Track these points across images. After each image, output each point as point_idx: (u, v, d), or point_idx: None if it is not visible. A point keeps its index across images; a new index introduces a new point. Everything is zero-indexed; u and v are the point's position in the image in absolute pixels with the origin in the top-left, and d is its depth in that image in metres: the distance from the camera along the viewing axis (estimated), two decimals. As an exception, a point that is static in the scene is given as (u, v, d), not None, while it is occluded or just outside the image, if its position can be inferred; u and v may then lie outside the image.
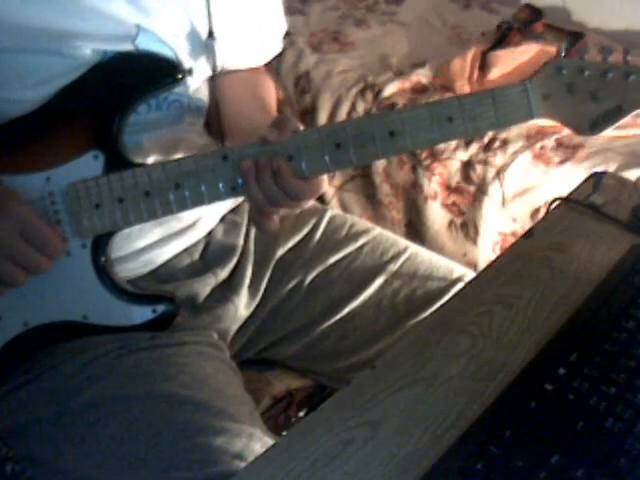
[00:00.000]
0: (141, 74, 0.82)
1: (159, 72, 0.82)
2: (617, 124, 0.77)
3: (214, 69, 0.92)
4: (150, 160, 0.87)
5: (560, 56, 0.77)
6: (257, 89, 1.04)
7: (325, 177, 0.81)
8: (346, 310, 1.02)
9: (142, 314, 0.85)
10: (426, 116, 0.77)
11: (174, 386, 0.81)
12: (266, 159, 0.77)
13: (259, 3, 1.00)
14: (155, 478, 0.75)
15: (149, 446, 0.77)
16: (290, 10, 2.13)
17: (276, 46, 1.06)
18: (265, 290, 1.02)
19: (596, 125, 0.77)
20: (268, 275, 1.02)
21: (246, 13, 0.98)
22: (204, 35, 0.91)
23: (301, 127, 0.80)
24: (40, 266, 0.78)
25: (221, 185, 0.79)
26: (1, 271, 0.77)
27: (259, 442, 0.77)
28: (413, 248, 1.08)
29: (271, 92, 1.06)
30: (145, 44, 0.84)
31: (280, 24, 1.06)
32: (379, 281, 1.03)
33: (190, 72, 0.85)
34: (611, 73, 0.75)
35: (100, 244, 0.82)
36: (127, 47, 0.83)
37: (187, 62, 0.89)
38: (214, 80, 0.94)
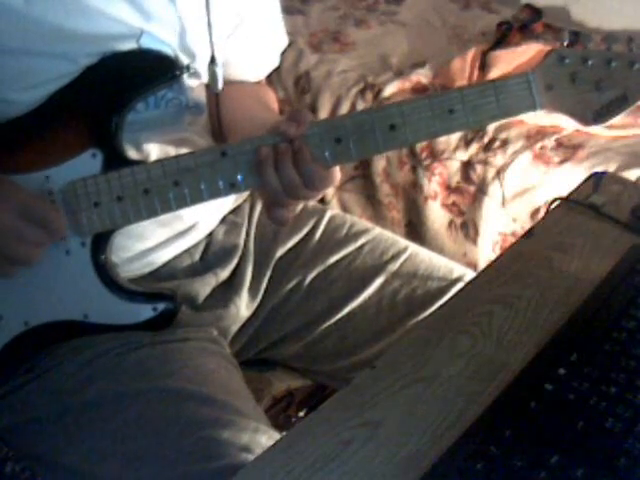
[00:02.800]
0: (138, 71, 0.82)
1: (156, 69, 0.82)
2: (622, 113, 0.75)
3: (216, 92, 0.90)
4: (149, 159, 0.87)
5: (562, 45, 0.76)
6: (259, 93, 1.04)
7: (338, 168, 0.80)
8: (346, 310, 1.01)
9: (143, 312, 0.85)
10: (427, 108, 0.76)
11: (178, 381, 0.81)
12: (286, 144, 0.76)
13: (260, 20, 0.99)
14: (162, 472, 0.75)
15: (155, 441, 0.77)
16: (290, 10, 2.14)
17: (275, 61, 1.06)
18: (265, 290, 1.02)
19: (600, 115, 0.75)
20: (268, 275, 1.02)
21: (247, 30, 0.97)
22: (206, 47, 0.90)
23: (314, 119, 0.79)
24: (44, 241, 0.78)
25: (220, 182, 0.79)
26: (10, 252, 0.77)
27: (265, 435, 0.77)
28: (413, 248, 1.08)
29: (273, 98, 1.06)
30: (148, 46, 0.83)
31: (280, 40, 1.06)
32: (379, 281, 1.03)
33: (188, 68, 0.84)
34: (615, 62, 0.74)
35: (100, 242, 0.82)
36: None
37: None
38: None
